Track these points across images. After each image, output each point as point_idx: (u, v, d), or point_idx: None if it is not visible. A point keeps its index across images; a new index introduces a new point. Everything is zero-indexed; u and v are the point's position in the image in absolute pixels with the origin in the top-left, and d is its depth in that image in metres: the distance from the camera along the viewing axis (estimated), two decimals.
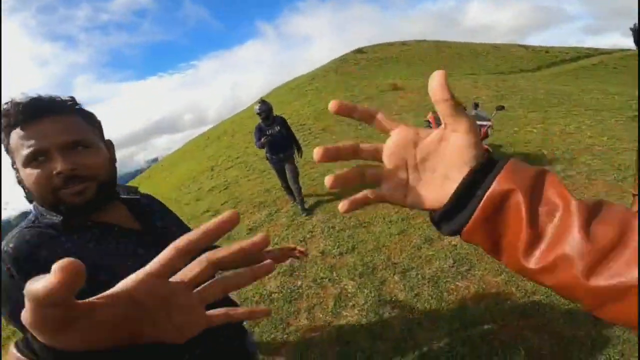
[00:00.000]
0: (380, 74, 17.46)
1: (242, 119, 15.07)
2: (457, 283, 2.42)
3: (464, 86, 11.57)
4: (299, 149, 4.10)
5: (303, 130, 8.20)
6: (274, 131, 3.88)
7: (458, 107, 0.29)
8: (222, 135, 13.08)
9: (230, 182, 6.33)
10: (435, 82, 0.29)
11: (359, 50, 28.45)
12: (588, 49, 28.39)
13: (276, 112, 4.07)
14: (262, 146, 3.95)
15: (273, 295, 2.67)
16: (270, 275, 2.94)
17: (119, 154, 0.80)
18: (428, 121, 4.98)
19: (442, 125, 0.31)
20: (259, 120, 3.96)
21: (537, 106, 7.91)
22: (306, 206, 4.08)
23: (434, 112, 4.95)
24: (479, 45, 29.85)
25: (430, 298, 2.32)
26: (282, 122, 3.97)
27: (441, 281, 2.47)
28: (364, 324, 2.19)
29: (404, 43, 29.94)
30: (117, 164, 0.77)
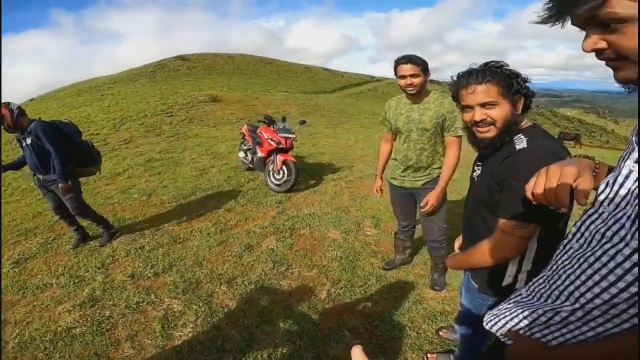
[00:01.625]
0: (200, 84, 16.89)
1: None
2: (281, 282, 2.63)
3: (278, 100, 12.81)
4: (60, 166, 2.88)
5: (96, 141, 6.91)
6: (25, 144, 2.90)
7: None
8: None
9: None
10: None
11: (182, 57, 26.69)
12: (367, 75, 36.74)
13: (60, 116, 3.07)
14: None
15: (73, 330, 2.18)
16: (59, 310, 2.38)
17: None
18: (243, 133, 5.28)
19: None
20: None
21: (330, 123, 9.71)
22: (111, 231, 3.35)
23: (248, 124, 5.31)
24: (294, 65, 33.54)
25: (260, 301, 2.43)
26: (36, 130, 2.85)
27: (266, 284, 2.62)
28: (202, 339, 2.08)
29: (230, 56, 30.16)
30: None
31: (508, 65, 1.06)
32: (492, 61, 1.08)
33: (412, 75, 1.96)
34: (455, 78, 1.12)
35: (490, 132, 1.08)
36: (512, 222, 1.03)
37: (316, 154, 6.17)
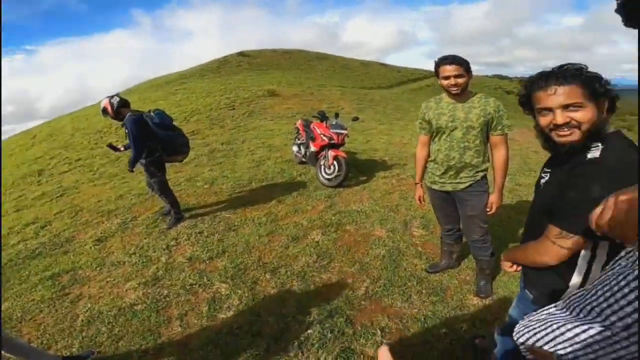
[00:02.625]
0: (260, 79, 17.65)
1: (89, 115, 12.62)
2: (321, 276, 2.69)
3: (333, 96, 12.87)
4: (133, 156, 3.33)
5: None
6: (125, 131, 3.41)
7: None
8: (57, 134, 10.72)
9: (68, 188, 5.35)
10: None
11: (242, 54, 28.12)
12: (425, 71, 35.04)
13: (141, 108, 3.59)
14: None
15: (135, 307, 2.46)
16: (126, 287, 2.71)
17: None
18: (297, 128, 5.44)
19: None
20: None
21: (385, 119, 9.51)
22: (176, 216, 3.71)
23: (303, 119, 5.46)
24: (350, 60, 33.30)
25: (299, 292, 2.51)
26: (127, 123, 3.29)
27: (307, 275, 2.70)
28: (242, 323, 2.23)
29: (286, 51, 30.94)
30: None
31: (587, 68, 1.01)
32: (569, 64, 1.01)
33: (456, 76, 1.97)
34: (529, 80, 1.07)
35: (573, 136, 1.01)
36: (555, 230, 1.02)
37: (369, 150, 6.12)
